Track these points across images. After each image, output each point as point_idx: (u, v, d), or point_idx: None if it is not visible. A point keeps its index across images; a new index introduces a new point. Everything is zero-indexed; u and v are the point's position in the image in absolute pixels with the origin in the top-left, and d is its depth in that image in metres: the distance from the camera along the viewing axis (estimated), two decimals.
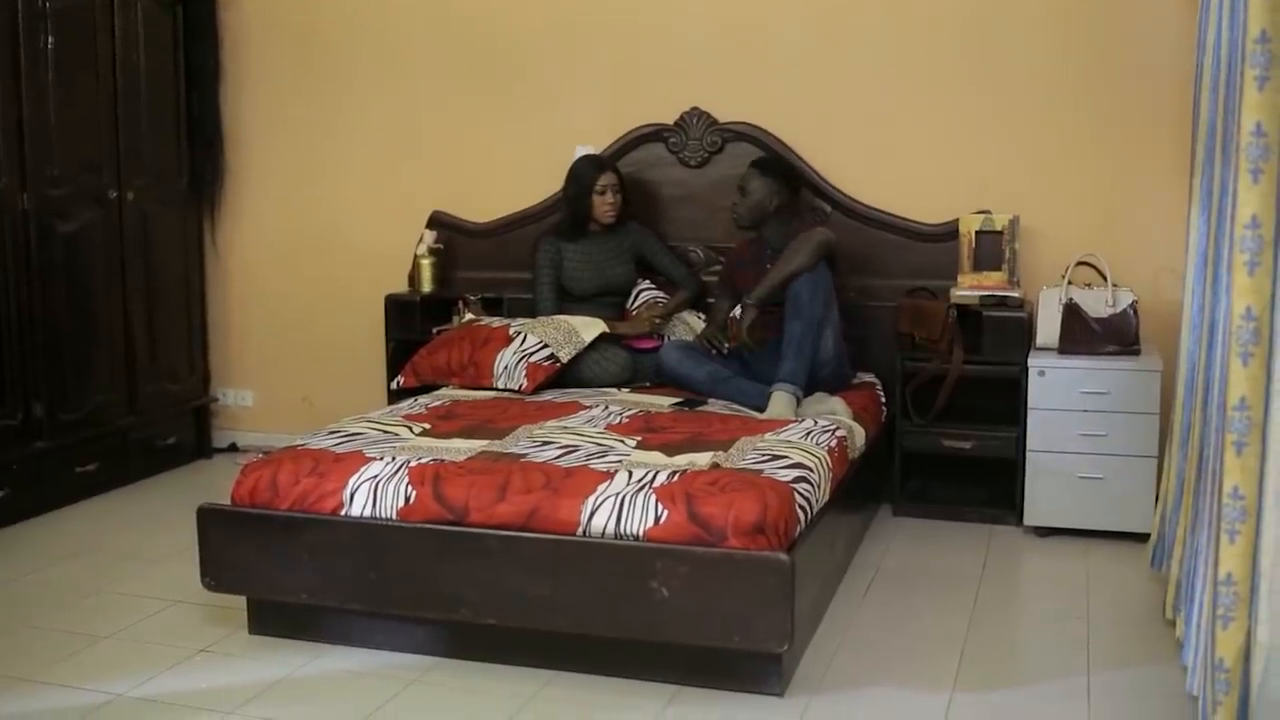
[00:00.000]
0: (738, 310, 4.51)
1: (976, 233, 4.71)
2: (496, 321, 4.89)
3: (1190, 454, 3.43)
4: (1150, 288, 4.68)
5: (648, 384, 4.70)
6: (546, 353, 4.60)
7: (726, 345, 4.61)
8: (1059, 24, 4.80)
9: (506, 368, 4.59)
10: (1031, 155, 4.88)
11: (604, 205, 4.92)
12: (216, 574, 3.55)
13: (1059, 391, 4.42)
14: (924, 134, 4.99)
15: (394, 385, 4.92)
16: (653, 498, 3.21)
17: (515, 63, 5.45)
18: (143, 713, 3.14)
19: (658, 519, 3.17)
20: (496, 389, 4.59)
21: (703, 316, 4.98)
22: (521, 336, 4.65)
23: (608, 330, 4.75)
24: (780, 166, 4.76)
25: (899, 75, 5.00)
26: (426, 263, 5.41)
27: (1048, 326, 4.57)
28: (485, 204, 5.50)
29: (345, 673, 3.37)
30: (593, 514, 3.22)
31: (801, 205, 4.92)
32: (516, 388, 4.56)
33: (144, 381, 5.42)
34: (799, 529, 3.29)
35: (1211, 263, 3.17)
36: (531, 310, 4.98)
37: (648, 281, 5.11)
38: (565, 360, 4.61)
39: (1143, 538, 4.26)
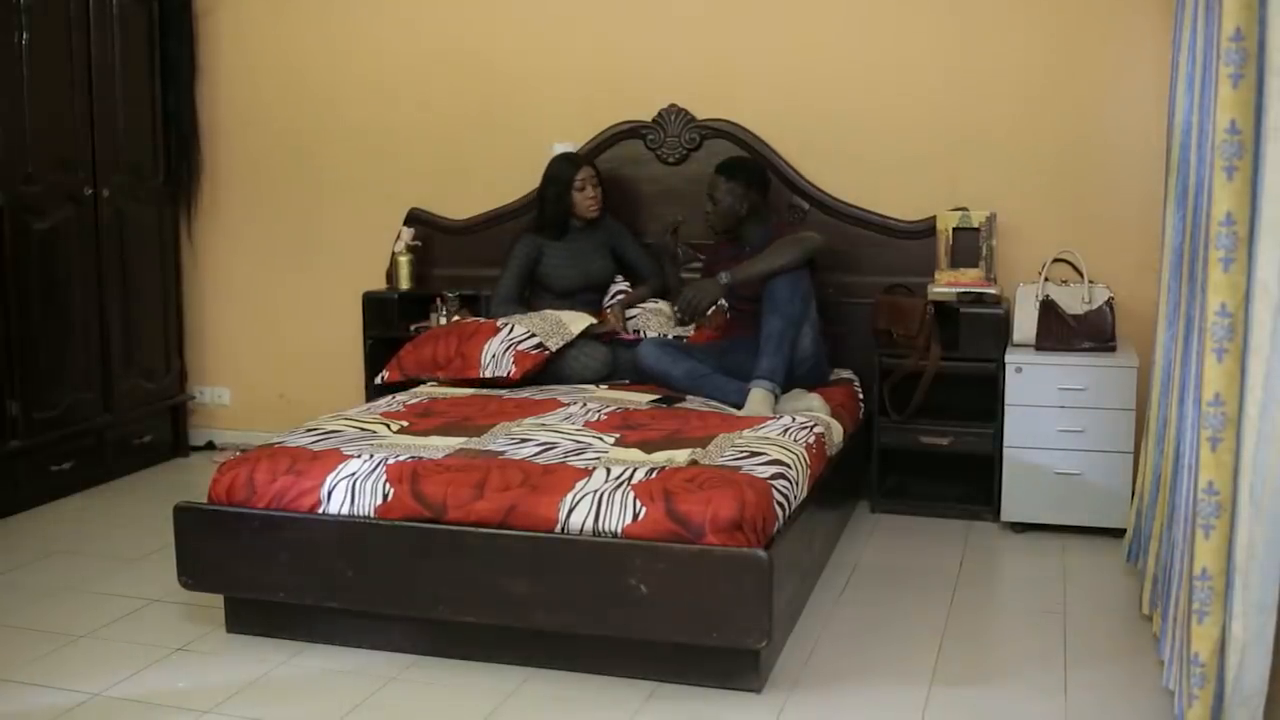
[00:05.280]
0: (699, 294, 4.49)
1: (954, 230, 4.73)
2: (483, 320, 4.88)
3: (1166, 450, 3.45)
4: (1126, 284, 4.70)
5: (626, 380, 4.70)
6: (535, 341, 4.60)
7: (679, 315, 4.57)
8: (1037, 21, 4.81)
9: (494, 356, 4.57)
10: (1009, 152, 4.89)
11: (585, 200, 4.92)
12: (193, 572, 3.53)
13: (1036, 388, 4.44)
14: (902, 131, 4.99)
15: (379, 380, 4.89)
16: (631, 495, 3.21)
17: (493, 58, 5.44)
18: (119, 712, 3.13)
19: (636, 516, 3.17)
20: (484, 377, 4.57)
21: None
22: (509, 327, 4.65)
23: (595, 323, 4.76)
24: (745, 168, 4.69)
25: (877, 72, 5.00)
26: (404, 260, 5.40)
27: (1024, 323, 4.59)
28: (463, 201, 5.49)
29: (323, 671, 3.36)
30: (571, 511, 3.22)
31: (775, 202, 4.92)
32: (505, 374, 4.54)
33: (120, 379, 5.39)
34: (777, 526, 3.29)
35: (1187, 259, 3.19)
36: None
37: (622, 281, 5.11)
38: (554, 350, 4.61)
39: (1119, 533, 4.29)
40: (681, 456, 3.49)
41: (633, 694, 3.18)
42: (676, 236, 4.83)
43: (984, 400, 4.62)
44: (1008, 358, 4.49)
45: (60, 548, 4.46)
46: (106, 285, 5.30)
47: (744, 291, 4.51)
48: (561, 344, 4.64)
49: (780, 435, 3.78)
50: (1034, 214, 4.87)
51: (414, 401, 4.34)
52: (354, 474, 3.45)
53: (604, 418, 4.06)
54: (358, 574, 3.36)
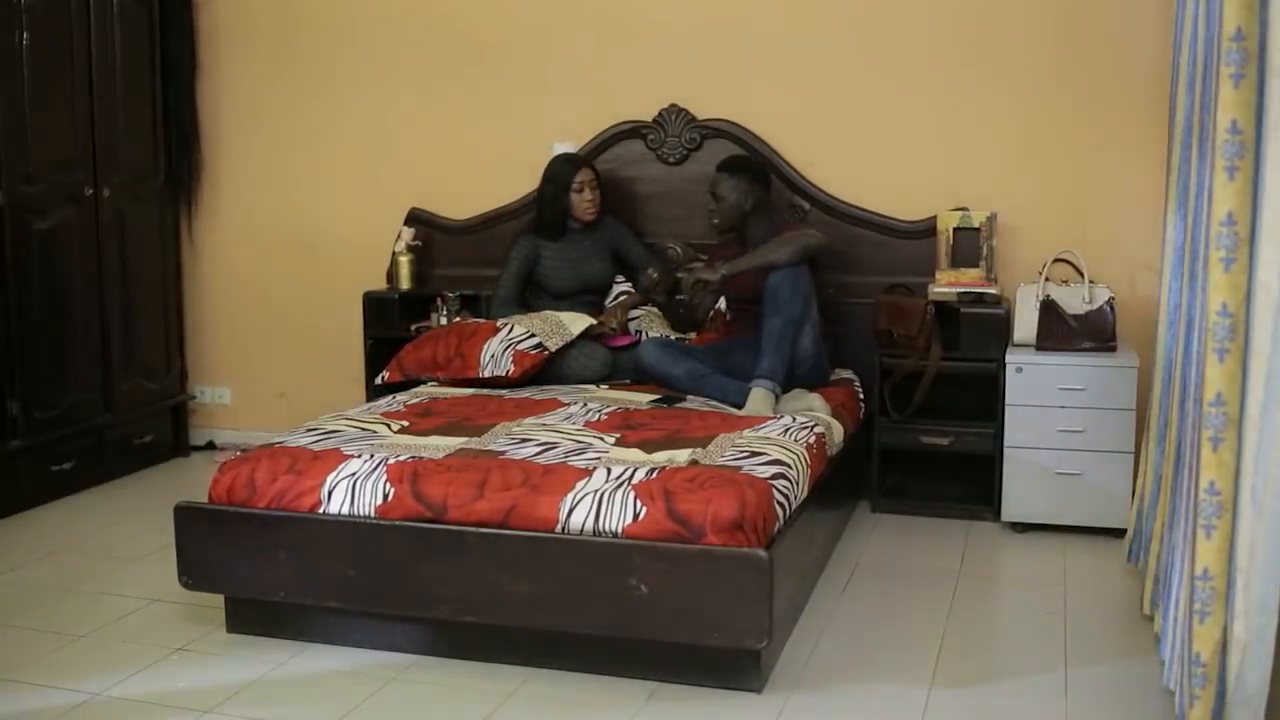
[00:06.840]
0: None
1: (954, 230, 4.73)
2: (483, 320, 4.88)
3: (1167, 450, 3.45)
4: (1127, 284, 4.71)
5: (627, 381, 4.70)
6: (534, 341, 4.60)
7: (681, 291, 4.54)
8: (1037, 21, 4.81)
9: (493, 356, 4.57)
10: (1009, 152, 4.89)
11: (583, 203, 4.92)
12: (194, 572, 3.53)
13: (1036, 388, 4.44)
14: (902, 131, 4.99)
15: (379, 380, 4.89)
16: (631, 495, 3.21)
17: (494, 59, 5.43)
18: (120, 712, 3.13)
19: (636, 516, 3.17)
20: (483, 377, 4.57)
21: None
22: (509, 327, 4.65)
23: (595, 324, 4.76)
24: (748, 165, 4.70)
25: (877, 72, 5.00)
26: (404, 260, 5.40)
27: (1025, 323, 4.59)
28: (463, 201, 5.49)
29: (323, 671, 3.36)
30: (571, 511, 3.22)
31: (775, 202, 4.92)
32: (504, 373, 4.54)
33: (121, 379, 5.39)
34: (777, 526, 3.30)
35: (1188, 259, 3.18)
36: None
37: (624, 280, 5.10)
38: (553, 350, 4.61)
39: (1120, 533, 4.28)
40: (682, 456, 3.49)
41: (633, 694, 3.18)
42: (660, 286, 4.67)
43: (984, 400, 4.62)
44: (1008, 358, 4.49)
45: (60, 547, 4.46)
46: (107, 285, 5.30)
47: (743, 294, 4.51)
48: (561, 344, 4.64)
49: (781, 435, 3.78)
50: (1034, 214, 4.87)
51: (414, 401, 4.34)
52: (354, 474, 3.45)
53: (604, 418, 4.06)
54: (358, 574, 3.36)
